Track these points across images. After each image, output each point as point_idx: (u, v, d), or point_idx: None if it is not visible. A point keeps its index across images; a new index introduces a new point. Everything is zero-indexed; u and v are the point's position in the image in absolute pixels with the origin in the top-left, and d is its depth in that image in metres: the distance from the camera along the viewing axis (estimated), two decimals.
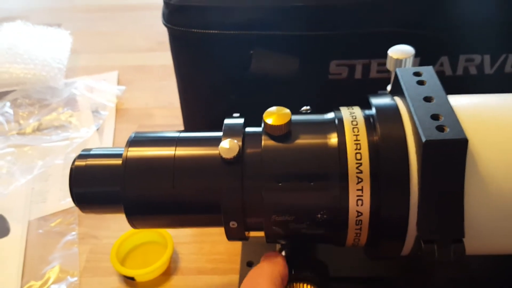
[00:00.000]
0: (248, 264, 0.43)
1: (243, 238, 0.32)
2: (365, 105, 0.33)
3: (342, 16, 0.45)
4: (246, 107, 0.49)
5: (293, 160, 0.29)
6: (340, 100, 0.46)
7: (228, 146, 0.30)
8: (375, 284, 0.39)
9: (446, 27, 0.46)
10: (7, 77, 0.62)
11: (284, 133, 0.30)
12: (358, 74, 0.48)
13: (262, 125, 0.31)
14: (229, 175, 0.29)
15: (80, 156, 0.33)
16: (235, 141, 0.30)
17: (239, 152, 0.29)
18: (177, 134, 0.33)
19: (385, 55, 0.47)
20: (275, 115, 0.30)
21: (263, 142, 0.30)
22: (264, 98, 0.49)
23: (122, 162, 0.31)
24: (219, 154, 0.29)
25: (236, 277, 0.43)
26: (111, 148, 0.34)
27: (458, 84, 0.49)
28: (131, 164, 0.31)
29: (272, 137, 0.30)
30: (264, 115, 0.31)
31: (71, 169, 0.32)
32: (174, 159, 0.31)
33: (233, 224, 0.30)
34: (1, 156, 0.53)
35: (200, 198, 0.31)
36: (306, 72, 0.48)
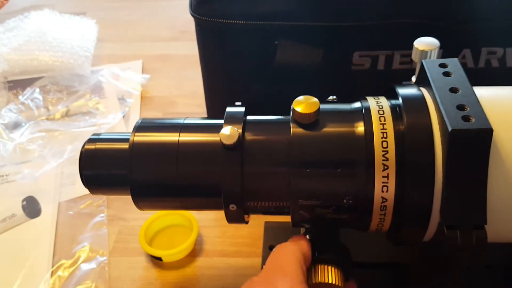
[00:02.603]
0: (270, 248, 0.44)
1: (243, 221, 0.34)
2: (389, 95, 0.34)
3: (366, 7, 0.46)
4: (269, 96, 0.50)
5: (321, 147, 0.31)
6: (362, 90, 0.47)
7: (228, 133, 0.31)
8: (394, 270, 0.40)
9: (469, 20, 0.46)
10: (36, 64, 0.64)
11: (312, 121, 0.31)
12: (380, 65, 0.49)
13: (291, 113, 0.32)
14: (229, 160, 0.31)
15: (90, 140, 0.35)
16: (236, 128, 0.31)
17: (238, 138, 0.31)
18: (181, 121, 0.34)
19: (408, 47, 0.47)
20: (304, 104, 0.31)
21: (291, 130, 0.31)
22: (287, 88, 0.50)
23: (128, 147, 0.33)
24: (220, 140, 0.31)
25: (258, 260, 0.44)
26: (119, 133, 0.36)
27: (480, 76, 0.49)
28: (137, 149, 0.33)
29: (300, 125, 0.31)
30: (293, 103, 0.32)
31: (81, 152, 0.34)
32: (178, 144, 0.32)
33: (232, 207, 0.32)
34: (33, 140, 0.55)
35: (202, 182, 0.32)
36: (329, 62, 0.49)
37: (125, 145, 0.33)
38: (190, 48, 0.71)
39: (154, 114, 0.62)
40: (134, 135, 0.33)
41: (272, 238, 0.45)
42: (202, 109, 0.59)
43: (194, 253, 0.46)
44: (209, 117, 0.57)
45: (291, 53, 0.48)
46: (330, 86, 0.50)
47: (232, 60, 0.50)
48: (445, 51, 0.47)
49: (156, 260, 0.45)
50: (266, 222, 0.46)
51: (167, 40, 0.76)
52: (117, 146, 0.34)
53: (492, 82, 0.34)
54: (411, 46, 0.47)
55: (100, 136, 0.35)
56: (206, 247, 0.46)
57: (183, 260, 0.45)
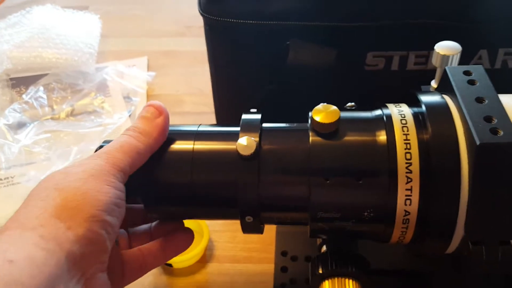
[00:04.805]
0: (282, 253, 0.44)
1: (259, 232, 0.33)
2: (410, 102, 0.33)
3: (380, 7, 0.45)
4: (281, 97, 0.49)
5: (342, 158, 0.30)
6: (376, 91, 0.46)
7: (245, 143, 0.30)
8: (411, 278, 0.40)
9: (485, 20, 0.45)
10: (39, 61, 0.63)
11: (332, 130, 0.30)
12: (395, 66, 0.48)
13: (309, 121, 0.31)
14: (245, 171, 0.30)
15: (101, 148, 0.34)
16: (252, 138, 0.30)
17: (256, 149, 0.30)
18: (195, 128, 0.33)
19: (423, 47, 0.47)
20: (323, 113, 0.30)
21: (310, 139, 0.30)
22: (299, 89, 0.50)
23: None
24: (236, 150, 0.30)
25: (270, 266, 0.43)
26: None
27: (496, 77, 0.48)
28: (151, 157, 0.32)
29: (319, 134, 0.30)
30: (313, 112, 0.31)
31: None
32: (192, 153, 0.32)
33: (248, 219, 0.31)
34: (38, 142, 0.54)
35: (217, 192, 0.32)
36: (342, 63, 0.47)
37: None
38: (196, 44, 0.70)
39: None
40: None
41: (285, 244, 0.44)
42: (210, 108, 0.58)
43: (205, 259, 0.45)
44: (217, 118, 0.55)
45: (304, 54, 0.47)
46: (343, 86, 0.49)
47: (242, 60, 0.49)
48: (462, 51, 0.46)
49: (166, 267, 0.44)
50: (278, 227, 0.46)
51: (172, 36, 0.74)
52: None
53: (509, 83, 0.33)
54: (426, 46, 0.47)
55: None
56: (216, 253, 0.45)
57: (194, 266, 0.44)
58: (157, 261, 0.34)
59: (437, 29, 0.45)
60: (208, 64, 0.51)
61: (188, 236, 0.35)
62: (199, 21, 0.49)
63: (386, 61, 0.47)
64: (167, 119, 0.31)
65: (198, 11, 0.47)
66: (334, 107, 0.31)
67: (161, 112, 0.31)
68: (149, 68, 0.68)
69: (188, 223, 0.46)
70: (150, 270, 0.34)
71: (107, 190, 0.27)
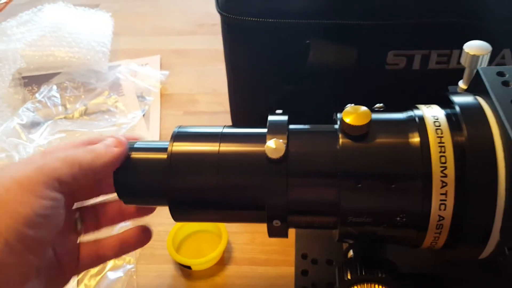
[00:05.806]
0: (302, 256, 0.43)
1: (284, 235, 0.33)
2: (441, 103, 0.32)
3: (402, 5, 0.44)
4: (299, 97, 0.48)
5: (374, 161, 0.29)
6: (396, 91, 0.45)
7: (274, 146, 0.29)
8: (436, 281, 0.39)
9: (509, 18, 0.44)
10: (52, 60, 0.62)
11: (363, 133, 0.29)
12: (416, 65, 0.47)
13: (338, 123, 0.31)
14: (274, 175, 0.30)
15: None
16: (281, 140, 0.30)
17: (285, 152, 0.29)
18: (220, 130, 0.33)
19: (446, 46, 0.46)
20: (354, 115, 0.29)
21: (340, 141, 0.30)
22: (318, 89, 0.49)
23: (167, 157, 0.31)
24: (265, 152, 0.29)
25: (290, 269, 0.43)
26: (152, 142, 0.35)
27: None
28: (176, 159, 0.31)
29: (349, 137, 0.30)
30: (343, 114, 0.30)
31: None
32: (218, 155, 0.31)
33: (276, 223, 0.31)
34: (53, 142, 0.53)
35: (244, 195, 0.31)
36: (362, 62, 0.47)
37: (163, 155, 0.32)
38: (209, 43, 0.69)
39: (175, 113, 0.60)
40: (173, 145, 0.32)
41: (305, 246, 0.44)
42: (224, 108, 0.57)
43: (223, 261, 0.44)
44: (233, 118, 0.55)
45: (324, 53, 0.46)
46: (363, 86, 0.48)
47: (260, 59, 0.48)
48: None
49: (184, 268, 0.43)
50: (297, 229, 0.45)
51: (185, 34, 0.73)
52: (154, 156, 0.33)
53: None
54: (448, 45, 0.46)
55: (134, 146, 0.33)
56: (235, 255, 0.45)
57: (212, 268, 0.44)
58: (113, 253, 0.35)
59: (459, 28, 0.44)
60: (220, 63, 0.51)
61: (146, 234, 0.36)
62: (211, 19, 0.48)
63: (408, 60, 0.47)
64: (124, 152, 0.32)
65: (209, 9, 0.46)
66: (365, 108, 0.30)
67: (121, 145, 0.32)
68: (161, 67, 0.67)
69: (206, 224, 0.46)
70: (105, 261, 0.35)
71: (31, 201, 0.26)
